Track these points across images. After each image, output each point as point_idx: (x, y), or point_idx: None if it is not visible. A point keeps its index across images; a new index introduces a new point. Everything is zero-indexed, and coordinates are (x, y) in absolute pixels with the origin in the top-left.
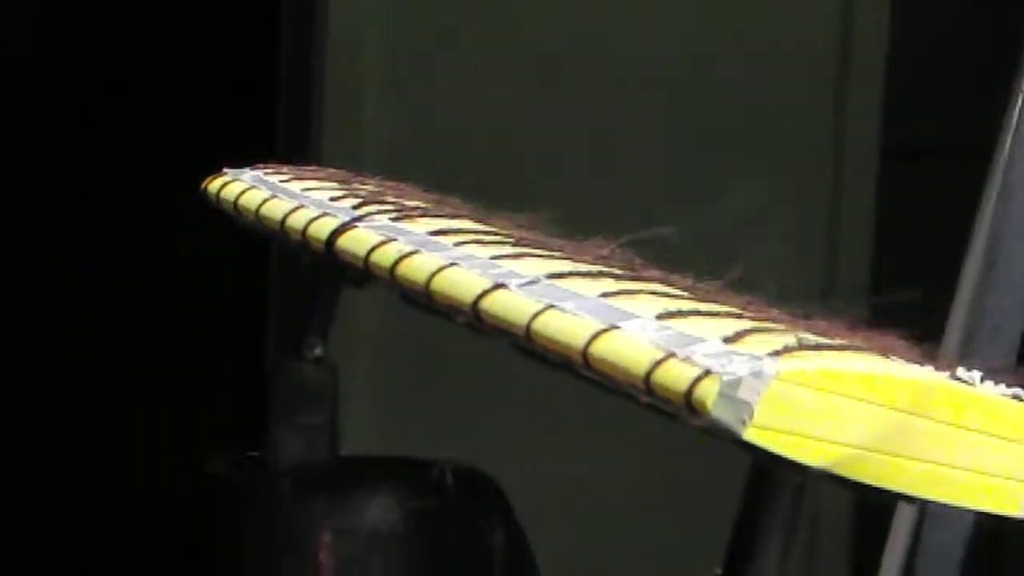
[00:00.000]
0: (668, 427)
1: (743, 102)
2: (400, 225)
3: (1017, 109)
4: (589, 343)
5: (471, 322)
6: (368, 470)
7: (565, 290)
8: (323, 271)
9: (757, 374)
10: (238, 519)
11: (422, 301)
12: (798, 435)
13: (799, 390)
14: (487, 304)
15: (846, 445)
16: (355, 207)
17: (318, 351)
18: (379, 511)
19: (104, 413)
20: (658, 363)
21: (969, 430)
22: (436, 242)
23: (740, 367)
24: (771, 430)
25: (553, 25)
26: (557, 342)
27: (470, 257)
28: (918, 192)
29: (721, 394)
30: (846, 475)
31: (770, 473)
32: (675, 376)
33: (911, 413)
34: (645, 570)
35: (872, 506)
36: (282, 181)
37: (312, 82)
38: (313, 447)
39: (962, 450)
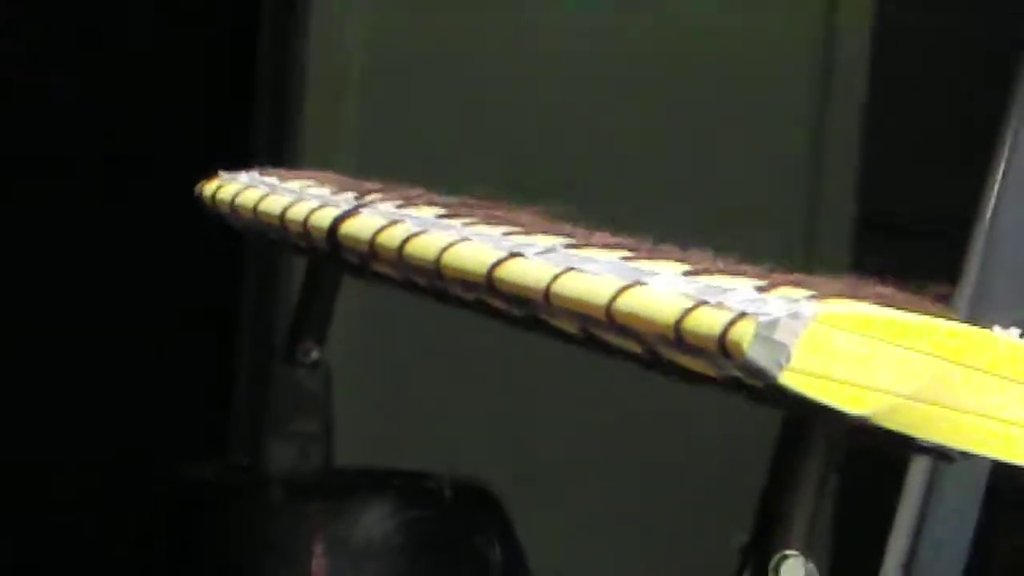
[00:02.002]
0: (657, 436)
1: (721, 175)
2: (405, 211)
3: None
4: (614, 298)
5: (484, 296)
6: (363, 479)
7: (584, 256)
8: (322, 269)
9: (795, 315)
10: (226, 526)
11: (430, 282)
12: (836, 381)
13: (838, 334)
14: (503, 273)
15: (885, 393)
16: (357, 198)
17: (314, 355)
18: (373, 520)
19: (66, 413)
20: (689, 311)
21: (1012, 381)
22: (444, 224)
23: (777, 309)
24: (808, 374)
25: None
26: (579, 302)
27: (481, 234)
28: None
29: (758, 335)
30: (884, 424)
31: (802, 428)
32: (708, 321)
33: (953, 362)
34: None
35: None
36: (280, 180)
37: (291, 87)
38: (306, 455)
39: (1004, 401)
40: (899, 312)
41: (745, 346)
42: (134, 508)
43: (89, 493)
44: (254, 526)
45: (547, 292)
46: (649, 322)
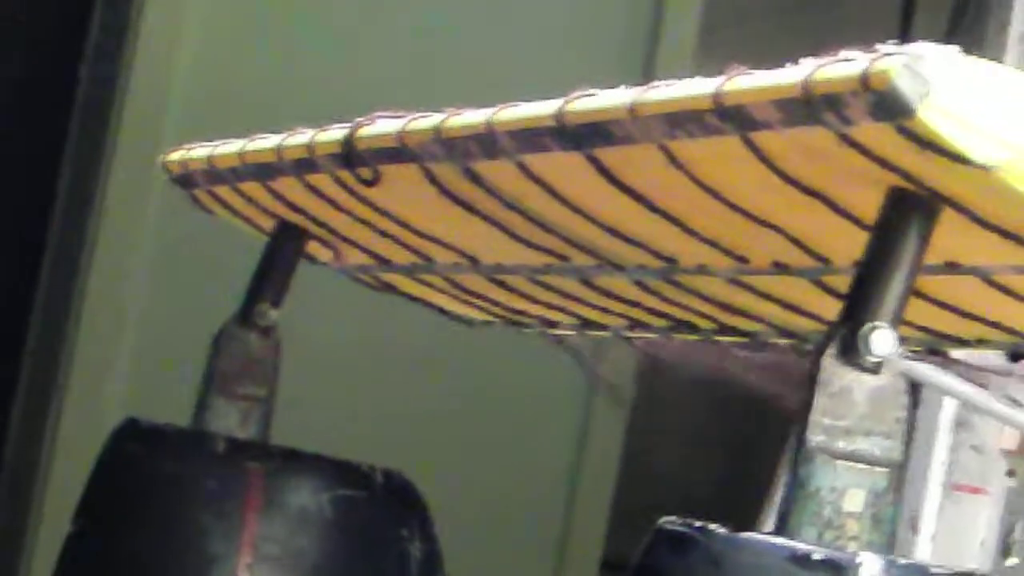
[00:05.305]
0: None
1: None
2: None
3: None
4: (723, 84)
5: (552, 133)
6: (302, 452)
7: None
8: (288, 232)
9: (941, 55)
10: (165, 476)
11: (473, 159)
12: (969, 125)
13: (980, 81)
14: (574, 106)
15: (1015, 147)
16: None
17: (270, 318)
18: (310, 488)
19: None
20: (819, 66)
21: None
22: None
23: (922, 50)
24: (945, 112)
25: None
26: (675, 100)
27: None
28: None
29: (906, 66)
30: (1004, 177)
31: (904, 205)
32: (845, 67)
33: None
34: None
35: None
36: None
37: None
38: (247, 418)
39: None
40: None
41: (892, 74)
42: None
43: None
44: (193, 477)
45: (631, 107)
46: (771, 90)
